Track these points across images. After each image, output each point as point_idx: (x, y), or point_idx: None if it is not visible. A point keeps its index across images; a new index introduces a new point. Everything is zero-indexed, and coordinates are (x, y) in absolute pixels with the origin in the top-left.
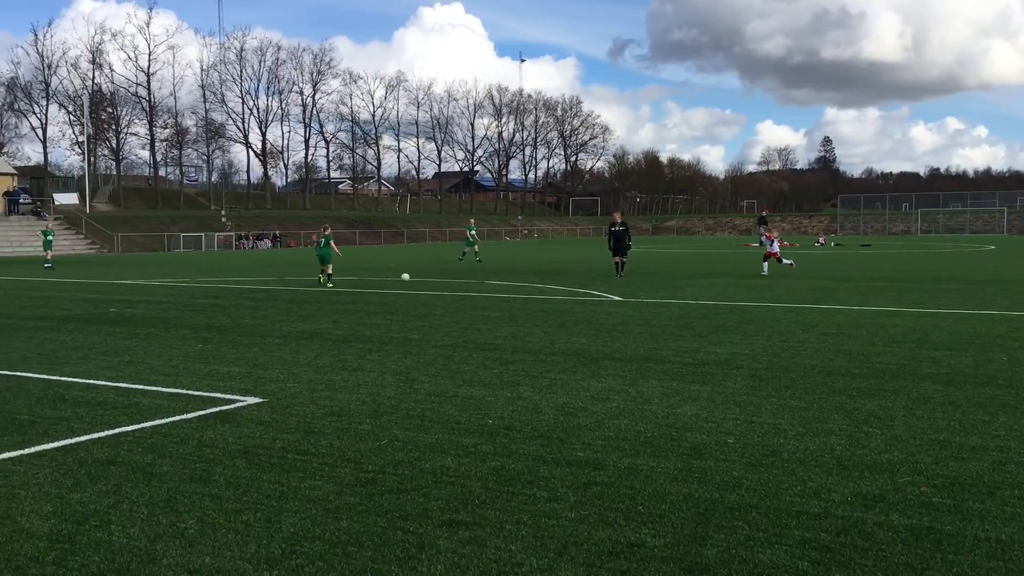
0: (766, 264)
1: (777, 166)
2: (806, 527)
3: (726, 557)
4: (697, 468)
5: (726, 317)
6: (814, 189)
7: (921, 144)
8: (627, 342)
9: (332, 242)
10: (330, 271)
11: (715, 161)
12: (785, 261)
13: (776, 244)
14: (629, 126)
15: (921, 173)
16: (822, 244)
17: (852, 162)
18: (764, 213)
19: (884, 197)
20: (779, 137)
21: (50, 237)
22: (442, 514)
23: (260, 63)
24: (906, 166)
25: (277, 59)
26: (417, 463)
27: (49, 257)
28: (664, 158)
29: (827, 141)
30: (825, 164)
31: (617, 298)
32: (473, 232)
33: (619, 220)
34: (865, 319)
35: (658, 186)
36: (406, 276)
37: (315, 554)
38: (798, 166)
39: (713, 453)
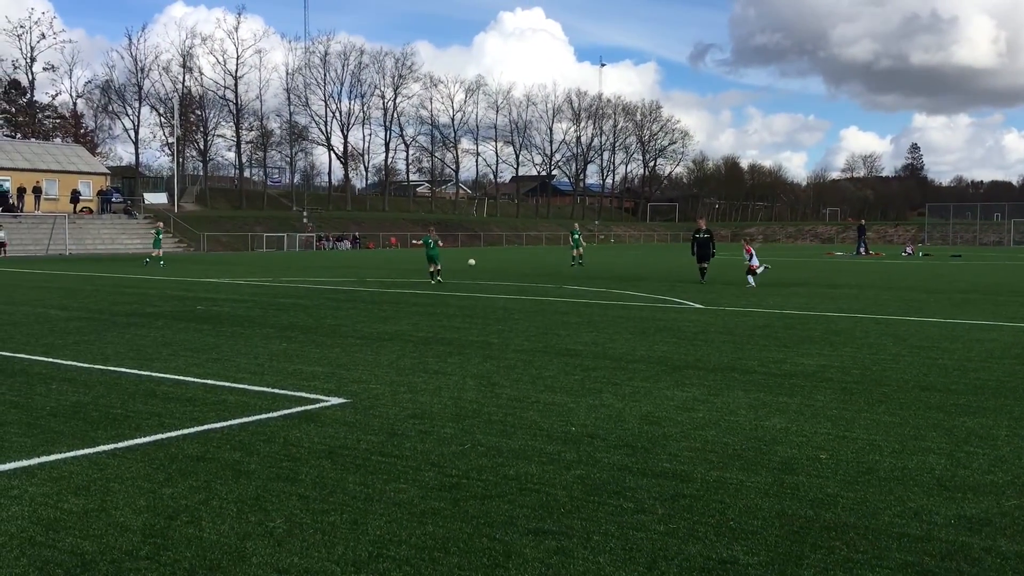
0: (751, 277)
1: (862, 173)
2: (908, 550)
3: None
4: (789, 484)
5: (812, 327)
6: (900, 197)
7: (1014, 152)
8: (710, 351)
9: (439, 242)
10: (439, 268)
11: (797, 168)
12: (757, 271)
13: (755, 258)
14: (709, 131)
15: (1014, 182)
16: (910, 254)
17: (941, 170)
18: (863, 222)
19: (975, 206)
20: (864, 144)
21: (160, 236)
22: (528, 522)
23: (343, 67)
24: (998, 175)
25: (360, 63)
26: (501, 469)
27: (156, 254)
28: (744, 164)
29: (915, 148)
30: (912, 172)
31: (698, 305)
32: (576, 236)
33: (703, 226)
34: (960, 332)
35: (738, 192)
36: (472, 261)
37: (401, 558)
38: (884, 173)
39: (805, 468)
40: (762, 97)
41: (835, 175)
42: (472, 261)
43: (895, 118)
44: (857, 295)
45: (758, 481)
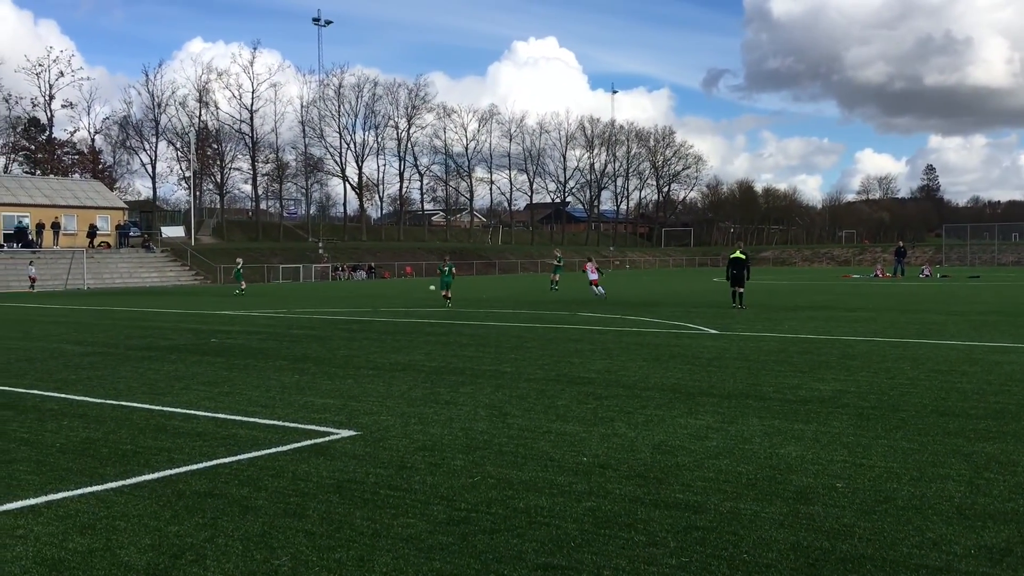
0: (595, 288)
1: (877, 195)
2: None
3: None
4: (804, 514)
5: (828, 352)
6: (917, 219)
7: None
8: (725, 377)
9: (454, 269)
10: (449, 295)
11: (812, 190)
12: (598, 290)
13: (593, 272)
14: (724, 156)
15: None
16: (927, 275)
17: (958, 191)
18: (901, 244)
19: (993, 227)
20: (880, 165)
21: (240, 270)
22: (537, 556)
23: (357, 99)
24: (1016, 195)
25: (374, 95)
26: (510, 502)
27: (243, 286)
28: (759, 188)
29: (930, 169)
30: (928, 193)
31: (713, 331)
32: (557, 261)
33: (740, 251)
34: (978, 355)
35: (753, 216)
36: (432, 287)
37: None
38: (900, 195)
39: (821, 498)
40: (776, 121)
41: (850, 197)
42: (432, 287)
43: (910, 140)
44: (874, 318)
45: (773, 511)
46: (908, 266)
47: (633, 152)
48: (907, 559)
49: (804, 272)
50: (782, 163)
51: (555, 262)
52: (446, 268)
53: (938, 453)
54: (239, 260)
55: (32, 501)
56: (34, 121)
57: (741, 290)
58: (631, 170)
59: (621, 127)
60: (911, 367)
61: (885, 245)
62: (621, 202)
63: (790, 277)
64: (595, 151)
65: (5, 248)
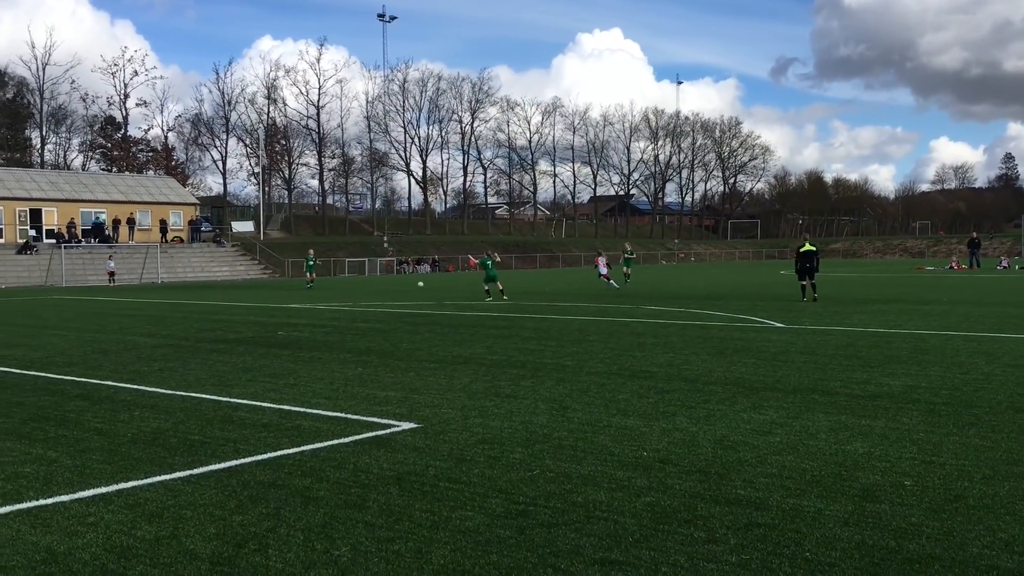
0: (611, 282)
1: (953, 185)
2: None
3: None
4: (870, 512)
5: (899, 346)
6: (994, 209)
7: None
8: (790, 372)
9: (498, 259)
10: (500, 286)
11: (884, 181)
12: (612, 284)
13: (604, 267)
14: (792, 146)
15: None
16: (1005, 267)
17: None
18: (974, 235)
19: None
20: (955, 154)
21: (311, 262)
22: (594, 551)
23: (421, 93)
24: None
25: (438, 89)
26: (569, 496)
27: (311, 278)
28: (828, 178)
29: (1009, 158)
30: (1007, 182)
31: (779, 325)
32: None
33: (808, 243)
34: None
35: (822, 207)
36: (421, 284)
37: None
38: (977, 185)
39: (888, 496)
40: (847, 110)
41: (924, 187)
42: (421, 283)
43: (988, 128)
44: (948, 311)
45: (837, 509)
46: (984, 257)
47: (698, 143)
48: (977, 560)
49: (875, 264)
50: (853, 153)
51: (624, 255)
52: (490, 261)
53: (1012, 451)
54: (310, 251)
55: (103, 489)
56: (110, 119)
57: (813, 282)
58: (696, 162)
59: (686, 118)
60: (986, 362)
61: (961, 236)
62: (686, 194)
63: (860, 269)
64: (659, 143)
65: (83, 243)
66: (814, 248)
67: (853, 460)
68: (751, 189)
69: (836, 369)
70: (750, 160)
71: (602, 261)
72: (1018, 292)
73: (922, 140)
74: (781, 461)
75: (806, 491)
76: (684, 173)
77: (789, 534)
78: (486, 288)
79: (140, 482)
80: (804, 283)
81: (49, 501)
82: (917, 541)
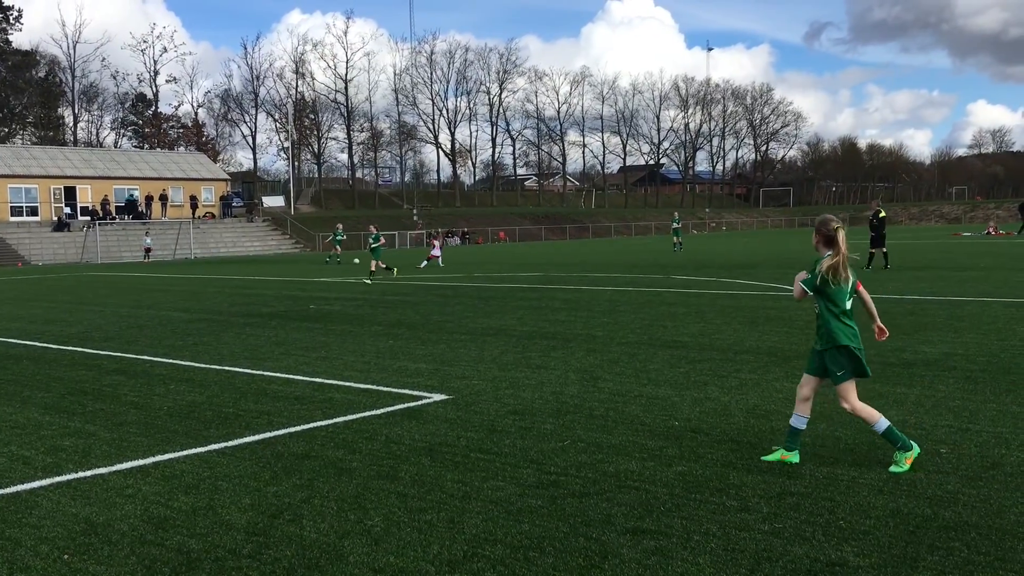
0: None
1: (991, 149)
2: None
3: None
4: (905, 480)
5: (935, 313)
6: None
7: None
8: None
9: (381, 239)
10: (384, 265)
11: (920, 146)
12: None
13: (437, 249)
14: (826, 112)
15: None
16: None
17: None
18: None
19: None
20: (994, 118)
21: (340, 237)
22: (626, 521)
23: (449, 65)
24: None
25: (465, 60)
26: (600, 466)
27: (337, 252)
28: (863, 144)
29: None
30: None
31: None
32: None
33: (877, 208)
34: None
35: (856, 174)
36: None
37: (496, 558)
38: (1015, 148)
39: (923, 464)
40: (882, 74)
41: (961, 152)
42: (356, 260)
43: None
44: (986, 277)
45: (871, 478)
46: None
47: (729, 111)
48: (1015, 527)
49: (911, 230)
50: (889, 118)
51: (675, 224)
52: (371, 239)
53: None
54: (339, 226)
55: (141, 462)
56: (140, 96)
57: (885, 250)
58: (727, 129)
59: (717, 85)
60: None
61: (999, 201)
62: (717, 162)
63: (896, 236)
64: (690, 111)
65: (117, 220)
66: (884, 215)
67: None
68: (783, 156)
69: (870, 337)
70: (782, 127)
71: (437, 243)
72: None
73: (959, 103)
74: (814, 430)
75: (839, 459)
76: (715, 141)
77: (823, 502)
78: (374, 269)
79: (176, 454)
80: (874, 251)
81: (88, 473)
82: (953, 509)
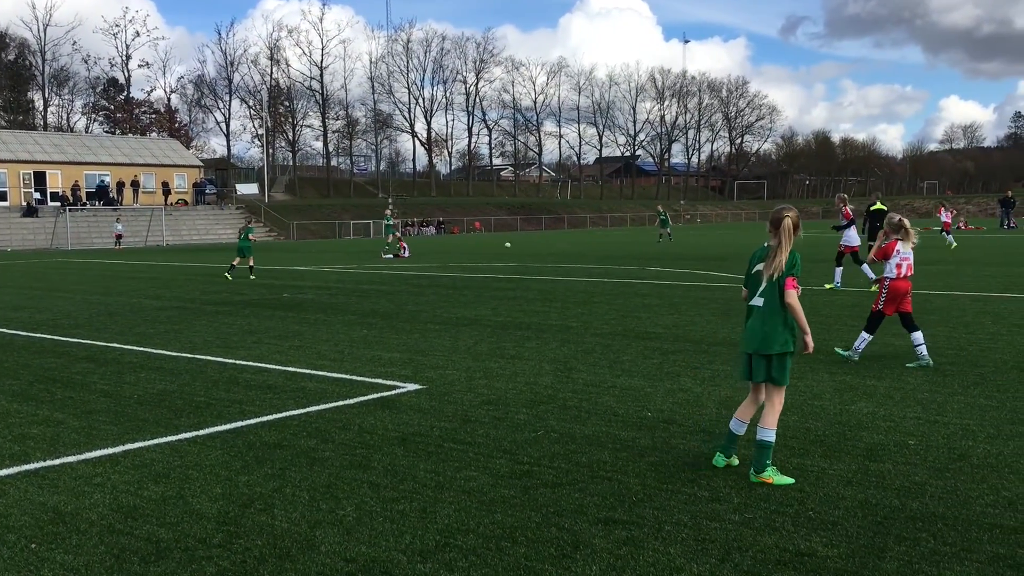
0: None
1: (962, 144)
2: (1000, 542)
3: (908, 572)
4: (874, 471)
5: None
6: (1003, 168)
7: None
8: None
9: (252, 235)
10: (251, 263)
11: (893, 140)
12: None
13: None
14: (801, 106)
15: None
16: (1013, 227)
17: None
18: (1009, 194)
19: None
20: (965, 113)
21: (389, 222)
22: (598, 511)
23: (426, 54)
24: None
25: (442, 49)
26: (573, 456)
27: (391, 241)
28: (836, 138)
29: (1018, 116)
30: (1016, 141)
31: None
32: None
33: (880, 201)
34: None
35: (829, 168)
36: (508, 244)
37: (468, 548)
38: (986, 144)
39: (892, 455)
40: (857, 69)
41: (933, 147)
42: (508, 244)
43: (999, 86)
44: (955, 271)
45: (841, 469)
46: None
47: (705, 103)
48: (980, 518)
49: None
50: (862, 112)
51: (661, 216)
52: (243, 233)
53: (1017, 410)
54: (387, 212)
55: (110, 450)
56: (112, 81)
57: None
58: (703, 122)
59: (693, 78)
60: (992, 322)
61: (969, 196)
62: (692, 155)
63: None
64: (666, 103)
65: (88, 206)
66: (885, 208)
67: (857, 420)
68: (758, 149)
69: (841, 329)
70: (757, 120)
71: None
72: None
73: (931, 99)
74: (785, 421)
75: (810, 451)
76: (690, 133)
77: (792, 493)
78: (235, 264)
79: (146, 443)
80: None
81: (56, 462)
82: (920, 500)
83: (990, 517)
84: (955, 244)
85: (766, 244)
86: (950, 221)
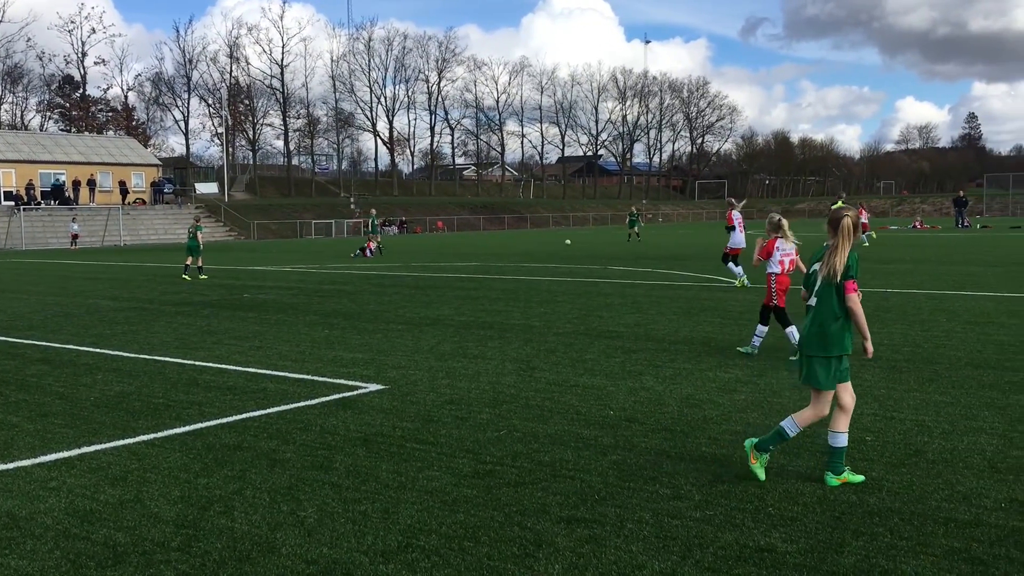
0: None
1: (917, 145)
2: (955, 536)
3: (865, 567)
4: None
5: (865, 305)
6: (958, 168)
7: None
8: None
9: (200, 234)
10: (200, 263)
11: (850, 141)
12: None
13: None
14: (761, 106)
15: None
16: (967, 226)
17: (1002, 139)
18: (961, 194)
19: None
20: (921, 114)
21: (375, 220)
22: (561, 510)
23: (387, 52)
24: None
25: (404, 48)
26: (536, 455)
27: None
28: (795, 138)
29: (972, 117)
30: (970, 142)
31: (747, 283)
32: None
33: (842, 202)
34: (1018, 307)
35: (788, 168)
36: (568, 241)
37: (431, 548)
38: (941, 144)
39: (849, 452)
40: (815, 70)
41: (889, 147)
42: (568, 241)
43: (954, 87)
44: (911, 270)
45: (800, 465)
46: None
47: (666, 103)
48: (935, 513)
49: None
50: (821, 113)
51: (631, 216)
52: (192, 231)
53: (971, 406)
54: (373, 211)
55: (66, 454)
56: (68, 79)
57: None
58: (664, 122)
59: (654, 78)
60: (947, 319)
61: (924, 196)
62: (654, 155)
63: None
64: (627, 103)
65: (43, 205)
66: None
67: None
68: (718, 149)
69: (801, 327)
70: (717, 120)
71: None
72: (979, 251)
73: (888, 100)
74: (745, 419)
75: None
76: (652, 133)
77: (753, 490)
78: (189, 264)
79: (103, 446)
80: None
81: (10, 466)
82: (877, 495)
83: (945, 512)
84: (867, 244)
85: (825, 244)
86: (868, 223)
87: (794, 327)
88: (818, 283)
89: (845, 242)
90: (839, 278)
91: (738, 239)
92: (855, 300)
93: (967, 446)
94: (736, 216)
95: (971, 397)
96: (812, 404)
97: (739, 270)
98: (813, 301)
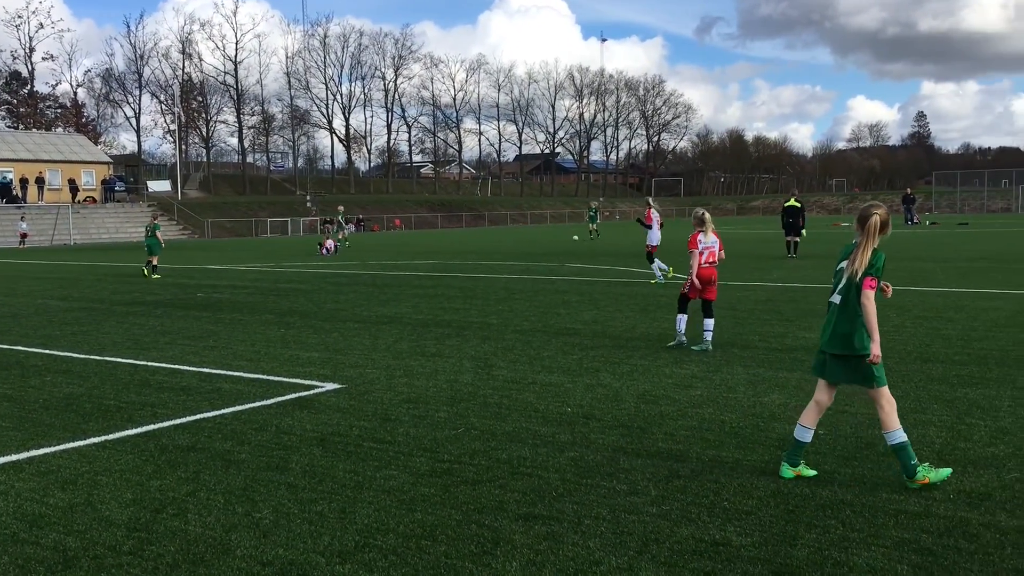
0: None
1: (868, 143)
2: (905, 527)
3: (818, 559)
4: None
5: (815, 300)
6: (907, 166)
7: (1023, 117)
8: None
9: (159, 232)
10: (155, 262)
11: (804, 139)
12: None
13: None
14: (716, 105)
15: (1022, 148)
16: (916, 223)
17: (949, 137)
18: (909, 191)
19: (982, 173)
20: (872, 113)
21: (341, 219)
22: (518, 507)
23: (343, 49)
24: (1007, 141)
25: (360, 45)
26: (493, 453)
27: (341, 236)
28: (750, 136)
29: (921, 116)
30: (919, 140)
31: (663, 280)
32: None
33: (795, 199)
34: (965, 302)
35: (743, 165)
36: (576, 237)
37: (388, 547)
38: (891, 142)
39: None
40: (769, 69)
41: (841, 145)
42: (576, 237)
43: (903, 86)
44: None
45: (754, 459)
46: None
47: (623, 102)
48: (886, 504)
49: None
50: (775, 111)
51: (590, 212)
52: (150, 230)
53: (920, 399)
54: (340, 208)
55: (13, 457)
56: (15, 74)
57: (797, 239)
58: (621, 120)
59: (611, 76)
60: (896, 314)
61: (875, 193)
62: (611, 152)
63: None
64: (584, 101)
65: None
66: (799, 204)
67: (770, 411)
68: (674, 148)
69: (755, 323)
70: (673, 119)
71: (330, 243)
72: (928, 247)
73: (840, 99)
74: (701, 414)
75: (725, 442)
76: (609, 131)
77: (708, 484)
78: (152, 264)
79: (52, 449)
80: (789, 239)
81: None
82: (830, 488)
83: (895, 503)
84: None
85: (854, 241)
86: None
87: (712, 320)
88: (843, 281)
89: (870, 241)
90: (859, 276)
91: (655, 236)
92: (869, 297)
93: (916, 438)
94: (655, 215)
95: (920, 390)
96: (877, 405)
97: (661, 266)
98: (837, 299)
